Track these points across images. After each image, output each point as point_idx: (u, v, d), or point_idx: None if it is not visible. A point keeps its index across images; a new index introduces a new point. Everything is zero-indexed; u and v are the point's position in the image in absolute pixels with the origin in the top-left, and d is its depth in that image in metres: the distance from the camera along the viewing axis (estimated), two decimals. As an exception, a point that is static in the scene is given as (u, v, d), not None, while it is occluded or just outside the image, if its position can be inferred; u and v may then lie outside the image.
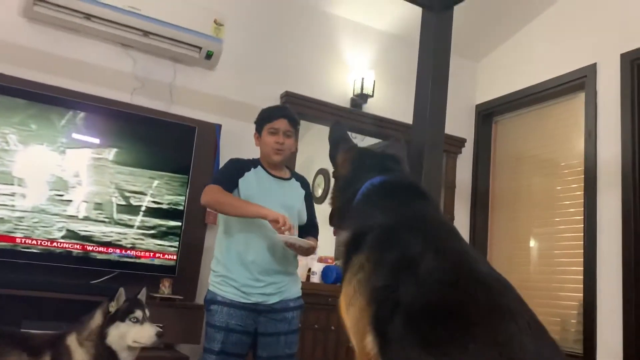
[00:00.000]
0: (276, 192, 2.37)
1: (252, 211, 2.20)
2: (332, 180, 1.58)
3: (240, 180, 2.33)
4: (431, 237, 1.14)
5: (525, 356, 0.91)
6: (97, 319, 1.99)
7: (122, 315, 1.98)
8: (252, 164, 2.43)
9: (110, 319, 1.97)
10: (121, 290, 2.02)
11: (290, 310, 2.33)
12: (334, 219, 1.48)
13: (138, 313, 2.00)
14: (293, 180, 2.49)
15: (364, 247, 1.18)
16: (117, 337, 1.95)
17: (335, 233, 1.54)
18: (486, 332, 0.94)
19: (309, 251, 2.33)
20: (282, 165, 2.47)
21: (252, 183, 2.34)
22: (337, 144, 1.57)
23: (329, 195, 1.53)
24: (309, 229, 2.48)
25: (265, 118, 2.44)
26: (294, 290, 2.38)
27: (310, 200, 2.53)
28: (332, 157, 1.57)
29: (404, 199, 1.30)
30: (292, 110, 2.53)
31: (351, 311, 1.15)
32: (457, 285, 1.03)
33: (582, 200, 3.64)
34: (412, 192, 1.34)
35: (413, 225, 1.18)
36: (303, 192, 2.49)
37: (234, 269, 2.27)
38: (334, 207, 1.48)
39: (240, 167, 2.39)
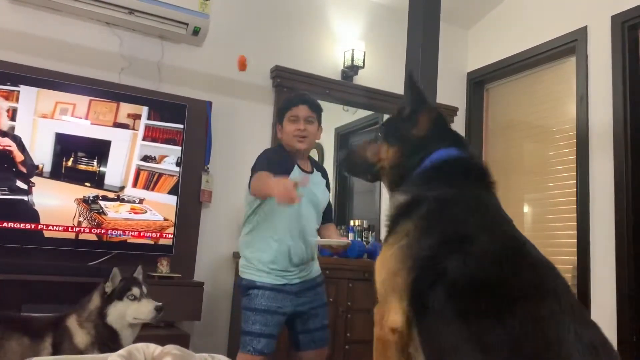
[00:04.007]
0: (309, 192, 2.37)
1: (267, 185, 2.05)
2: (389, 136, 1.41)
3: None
4: (487, 219, 1.15)
5: (565, 335, 0.93)
6: (95, 300, 2.01)
7: (119, 294, 2.00)
8: (290, 160, 2.37)
9: (108, 299, 1.99)
10: (115, 270, 2.04)
11: (319, 285, 2.44)
12: (390, 178, 1.38)
13: (135, 290, 2.02)
14: (315, 171, 2.48)
15: (414, 215, 1.17)
16: (116, 316, 1.98)
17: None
18: (527, 310, 0.96)
19: (344, 248, 2.42)
20: (307, 154, 2.46)
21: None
22: (423, 100, 1.41)
23: (391, 152, 1.37)
24: (327, 213, 2.53)
25: (284, 106, 2.41)
26: (316, 268, 2.47)
27: (328, 187, 2.55)
28: (415, 112, 1.39)
29: (471, 181, 1.26)
30: (312, 96, 2.50)
31: (384, 273, 1.16)
32: (505, 264, 1.05)
33: (575, 165, 3.66)
34: (482, 177, 1.29)
35: (471, 205, 1.18)
36: (324, 181, 2.52)
37: (274, 259, 2.30)
38: (393, 165, 1.36)
39: (285, 163, 2.33)
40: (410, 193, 1.24)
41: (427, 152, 1.30)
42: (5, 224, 2.84)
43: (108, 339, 1.95)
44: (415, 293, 1.06)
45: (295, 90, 3.73)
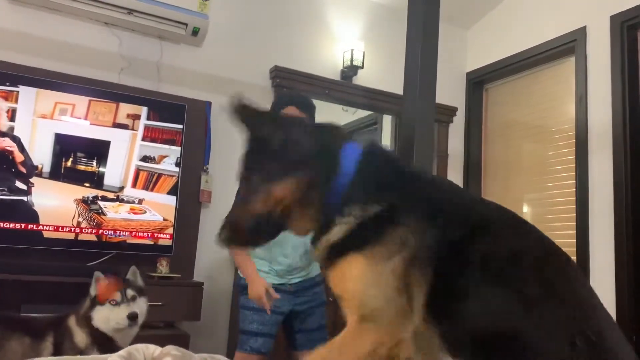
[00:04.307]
0: None
1: (245, 276, 2.28)
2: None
3: None
4: (479, 200, 1.17)
5: (593, 294, 1.05)
6: (87, 301, 2.01)
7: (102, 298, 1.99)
8: None
9: (92, 303, 1.98)
10: (96, 273, 2.02)
11: (318, 285, 2.44)
12: (308, 213, 1.14)
13: (116, 295, 1.99)
14: None
15: (404, 221, 1.05)
16: (100, 320, 1.95)
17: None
18: (559, 270, 1.06)
19: None
20: None
21: None
22: (278, 118, 1.25)
23: (294, 185, 1.12)
24: None
25: (273, 109, 2.41)
26: (316, 267, 2.47)
27: None
28: (287, 135, 1.17)
29: (415, 172, 1.19)
30: (303, 95, 2.48)
31: (379, 293, 1.03)
32: (525, 235, 1.11)
33: (574, 165, 3.66)
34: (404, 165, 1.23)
35: (455, 191, 1.18)
36: None
37: (274, 261, 2.32)
38: (306, 196, 1.13)
39: None
40: (372, 202, 1.07)
41: (335, 164, 1.12)
42: (4, 225, 2.83)
43: (102, 340, 1.95)
44: (437, 290, 1.03)
45: (294, 91, 3.73)
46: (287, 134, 1.17)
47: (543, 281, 1.02)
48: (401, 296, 1.01)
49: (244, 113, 1.23)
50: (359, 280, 1.04)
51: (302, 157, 1.14)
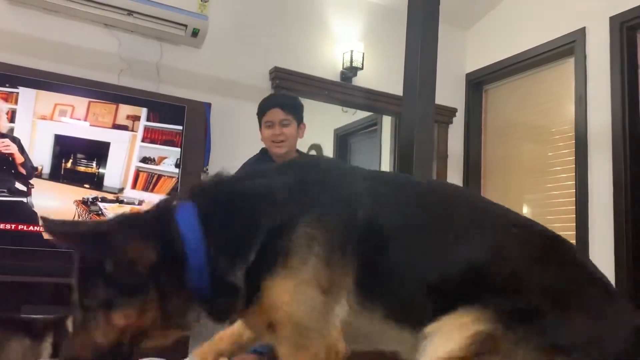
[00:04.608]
0: None
1: None
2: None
3: None
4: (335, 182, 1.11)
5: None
6: None
7: None
8: (274, 164, 2.36)
9: None
10: None
11: None
12: (177, 312, 1.02)
13: None
14: None
15: (295, 228, 0.99)
16: None
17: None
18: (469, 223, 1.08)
19: None
20: (291, 155, 2.41)
21: None
22: (100, 234, 0.98)
23: (147, 302, 0.97)
24: None
25: (260, 112, 2.40)
26: None
27: None
28: (122, 251, 0.97)
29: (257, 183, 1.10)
30: (287, 96, 2.47)
31: (308, 297, 0.97)
32: (410, 188, 1.15)
33: (574, 166, 3.67)
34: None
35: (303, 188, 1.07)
36: None
37: None
38: (165, 304, 0.99)
39: None
40: (249, 252, 0.99)
41: (180, 255, 0.98)
42: (4, 226, 2.83)
43: None
44: (366, 273, 1.01)
45: (294, 92, 3.74)
46: (118, 252, 0.96)
47: (458, 214, 1.07)
48: (328, 296, 0.97)
49: (62, 230, 1.01)
50: (292, 302, 0.97)
51: (141, 273, 0.96)
